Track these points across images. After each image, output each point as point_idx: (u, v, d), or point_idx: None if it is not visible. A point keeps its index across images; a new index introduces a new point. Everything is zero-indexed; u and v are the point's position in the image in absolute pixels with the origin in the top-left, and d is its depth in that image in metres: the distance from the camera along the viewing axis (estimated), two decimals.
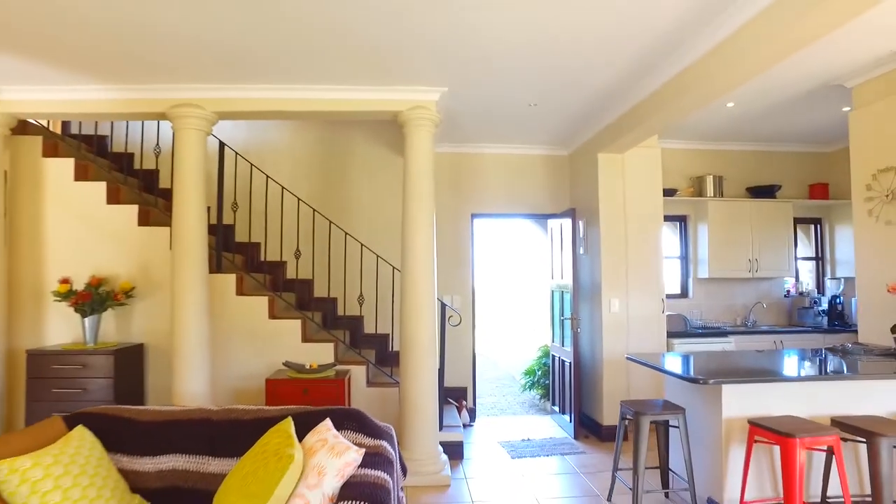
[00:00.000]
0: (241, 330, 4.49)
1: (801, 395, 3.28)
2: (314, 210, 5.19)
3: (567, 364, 5.37)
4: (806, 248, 6.40)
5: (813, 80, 4.21)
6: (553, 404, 5.88)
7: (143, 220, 4.57)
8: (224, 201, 4.85)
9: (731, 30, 3.02)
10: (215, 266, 4.58)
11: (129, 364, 4.31)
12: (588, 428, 5.29)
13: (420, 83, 4.00)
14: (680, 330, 5.49)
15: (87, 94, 4.04)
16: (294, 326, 4.54)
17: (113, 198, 4.56)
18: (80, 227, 4.49)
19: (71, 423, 2.44)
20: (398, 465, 2.52)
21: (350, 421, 2.54)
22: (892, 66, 3.84)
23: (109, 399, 4.05)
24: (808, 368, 3.50)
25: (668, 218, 5.96)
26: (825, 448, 3.06)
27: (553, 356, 5.90)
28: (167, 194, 5.21)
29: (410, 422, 4.05)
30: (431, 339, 4.14)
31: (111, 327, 4.49)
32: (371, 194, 5.76)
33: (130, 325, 4.53)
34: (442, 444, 4.37)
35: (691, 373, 3.20)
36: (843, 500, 2.94)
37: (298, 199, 5.17)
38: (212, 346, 4.18)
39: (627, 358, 3.91)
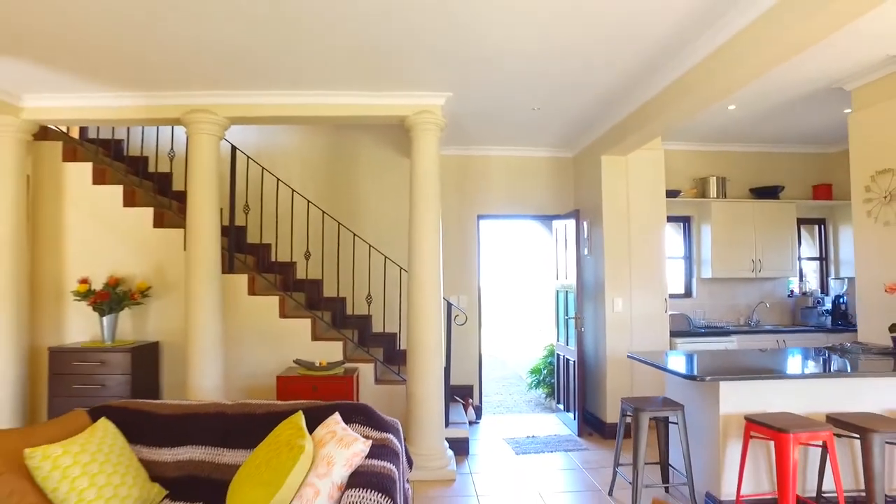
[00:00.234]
0: (252, 329, 4.63)
1: (798, 392, 3.36)
2: (323, 212, 5.32)
3: (571, 363, 5.46)
4: (810, 248, 6.45)
5: (813, 82, 4.27)
6: (558, 402, 5.98)
7: (158, 223, 4.72)
8: (236, 203, 5.00)
9: (732, 33, 3.07)
10: (228, 266, 4.72)
11: (145, 361, 4.46)
12: (592, 425, 5.38)
13: (426, 88, 4.11)
14: (683, 329, 5.56)
15: (105, 101, 4.20)
16: (304, 325, 4.66)
17: (129, 201, 4.71)
18: (98, 229, 4.65)
19: (94, 415, 2.58)
20: (404, 457, 2.64)
21: (358, 415, 2.66)
22: (890, 70, 3.90)
23: (127, 394, 4.20)
24: (805, 367, 3.57)
25: (672, 219, 6.04)
26: (819, 444, 3.13)
27: (558, 355, 5.99)
28: (181, 197, 5.37)
29: (417, 418, 4.16)
30: (438, 338, 4.25)
31: (128, 326, 4.64)
32: (378, 196, 5.88)
33: (146, 324, 4.68)
34: (448, 440, 4.48)
35: (693, 370, 3.29)
36: (837, 494, 3.01)
37: (308, 202, 5.30)
38: (224, 344, 4.32)
39: (629, 356, 4.00)
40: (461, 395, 5.76)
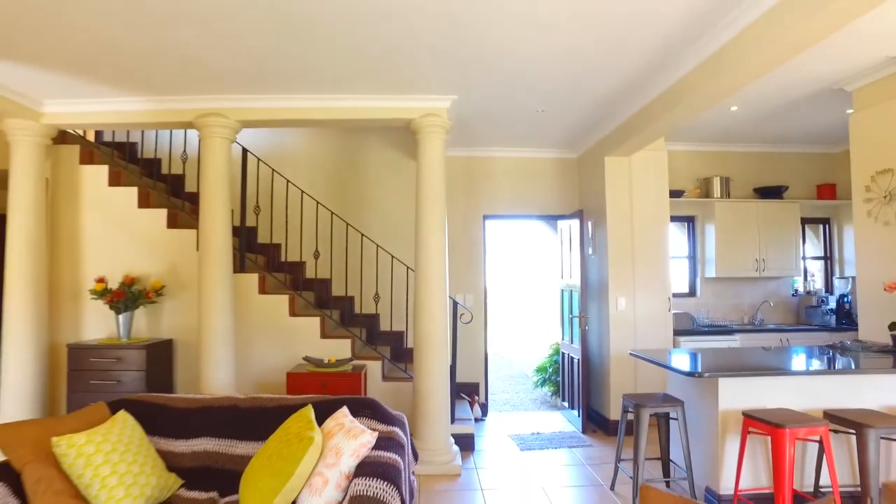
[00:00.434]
0: (263, 327, 4.75)
1: (796, 389, 3.43)
2: (332, 212, 5.44)
3: (575, 361, 5.54)
4: (815, 247, 6.48)
5: (815, 83, 4.32)
6: (563, 400, 6.06)
7: (172, 223, 4.85)
8: (247, 204, 5.12)
9: (734, 33, 3.10)
10: (239, 266, 4.84)
11: (160, 358, 4.59)
12: (596, 422, 5.46)
13: (431, 92, 4.21)
14: (687, 328, 5.63)
15: (121, 106, 4.33)
16: (313, 323, 4.78)
17: (143, 202, 4.85)
18: (113, 229, 4.79)
19: (114, 408, 2.70)
20: (409, 449, 2.74)
21: (365, 409, 2.77)
22: (890, 71, 3.94)
23: (142, 390, 4.34)
24: (804, 364, 3.63)
25: (676, 218, 6.10)
26: (816, 439, 3.20)
27: (563, 353, 6.07)
28: (193, 198, 5.50)
29: (423, 414, 4.26)
30: (444, 336, 4.34)
31: (143, 324, 4.78)
32: (386, 197, 5.99)
33: (160, 322, 4.81)
34: (454, 436, 4.58)
35: (697, 368, 3.36)
36: (832, 488, 3.07)
37: (317, 202, 5.42)
38: (236, 341, 4.44)
39: (631, 354, 4.07)
40: (467, 392, 5.86)
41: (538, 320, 10.94)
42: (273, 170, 5.45)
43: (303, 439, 2.33)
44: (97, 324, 4.73)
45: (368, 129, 5.91)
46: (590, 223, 5.66)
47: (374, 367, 4.74)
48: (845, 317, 5.92)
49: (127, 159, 5.57)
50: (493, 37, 3.31)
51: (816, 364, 3.58)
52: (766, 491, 3.35)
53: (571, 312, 5.73)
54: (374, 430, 2.58)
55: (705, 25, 3.18)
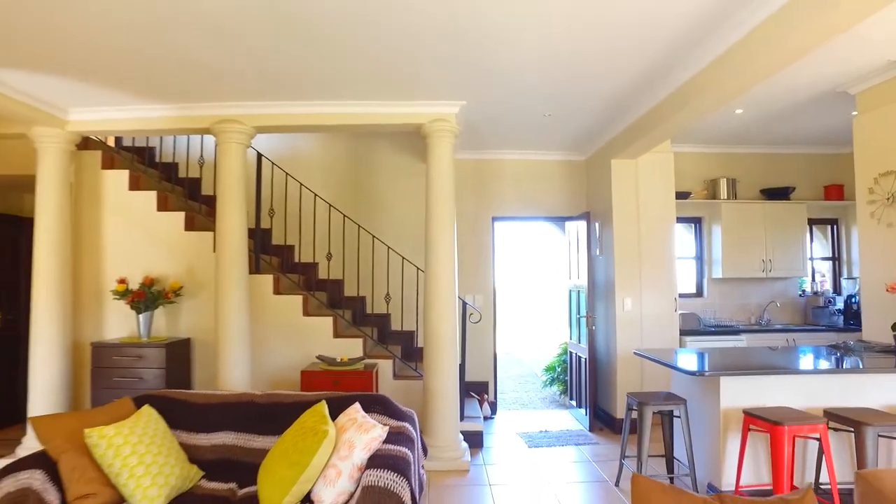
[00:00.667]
0: (277, 326, 4.89)
1: (797, 388, 3.50)
2: (344, 215, 5.58)
3: (583, 360, 5.63)
4: (824, 248, 6.51)
5: (819, 86, 4.37)
6: (571, 399, 6.15)
7: (189, 226, 5.01)
8: (261, 207, 5.28)
9: (739, 35, 3.13)
10: (254, 267, 4.99)
11: (178, 356, 4.75)
12: (603, 421, 5.55)
13: (440, 98, 4.32)
14: (693, 328, 5.69)
15: (142, 113, 4.49)
16: (326, 323, 4.92)
17: (162, 205, 5.01)
18: (134, 232, 4.96)
19: (139, 403, 2.85)
20: (419, 444, 2.86)
21: (376, 405, 2.89)
22: (892, 75, 4.00)
23: (162, 387, 4.49)
24: (806, 363, 3.70)
25: (683, 220, 6.16)
26: (815, 436, 3.26)
27: (571, 353, 6.16)
28: (210, 201, 5.65)
29: (433, 411, 4.37)
30: (453, 335, 4.46)
31: (162, 323, 4.94)
32: (397, 199, 6.12)
33: (179, 322, 4.97)
34: (463, 433, 4.69)
35: (698, 367, 3.45)
36: (831, 485, 3.15)
37: (329, 205, 5.56)
38: (252, 340, 4.57)
39: (635, 353, 4.16)
40: (477, 391, 5.97)
41: (547, 320, 11.02)
42: (287, 173, 5.60)
43: (317, 433, 2.46)
44: (118, 323, 4.91)
45: (379, 134, 6.03)
46: (597, 225, 5.75)
47: (385, 366, 4.86)
48: (853, 317, 5.94)
49: (146, 164, 5.74)
50: (499, 46, 3.40)
51: (818, 364, 3.64)
52: (767, 487, 3.42)
53: (579, 312, 5.82)
54: (385, 425, 2.69)
55: (710, 29, 3.19)
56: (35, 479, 2.23)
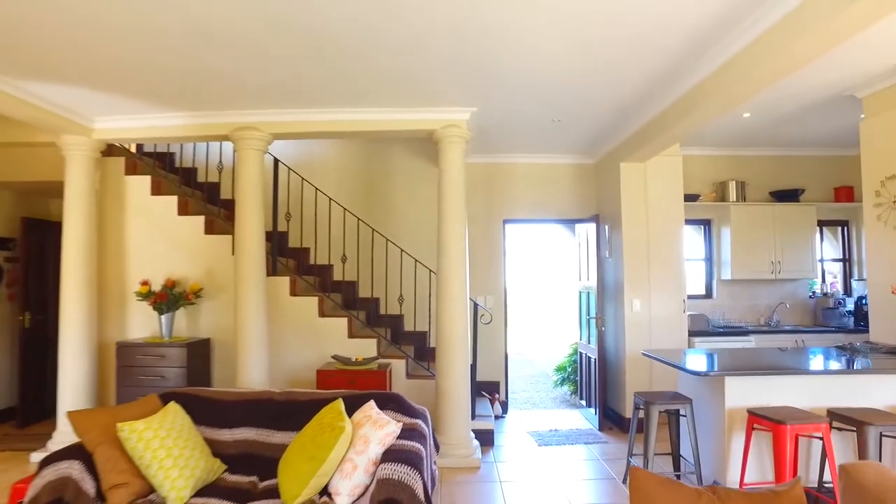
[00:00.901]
0: (294, 327, 5.04)
1: (802, 388, 3.56)
2: (358, 218, 5.72)
3: (593, 360, 5.72)
4: (834, 249, 6.53)
5: (826, 90, 4.41)
6: (581, 399, 6.23)
7: (209, 230, 5.17)
8: (278, 211, 5.43)
9: (748, 40, 3.16)
10: (271, 269, 5.13)
11: (199, 356, 4.92)
12: (612, 420, 5.63)
13: (452, 104, 4.44)
14: (702, 329, 5.75)
15: (163, 121, 4.66)
16: (341, 324, 5.06)
17: (182, 210, 5.18)
18: (155, 235, 5.14)
19: (165, 399, 3.00)
20: (431, 441, 2.98)
21: (390, 403, 3.02)
22: None
23: (183, 385, 4.66)
24: (811, 364, 3.76)
25: (692, 222, 6.22)
26: (818, 436, 3.33)
27: (581, 353, 6.25)
28: (228, 204, 5.83)
29: (445, 410, 4.49)
30: (464, 336, 4.57)
31: (182, 324, 5.11)
32: (410, 203, 6.25)
33: (199, 322, 5.14)
34: (474, 431, 4.80)
35: (704, 367, 3.52)
36: (833, 484, 3.21)
37: (344, 209, 5.70)
38: (269, 340, 4.72)
39: (643, 353, 4.25)
40: (488, 390, 6.07)
41: (558, 321, 11.10)
42: (303, 178, 5.74)
43: (334, 429, 2.59)
44: (141, 323, 5.09)
45: (393, 139, 6.16)
46: (606, 227, 5.83)
47: (398, 366, 4.99)
48: (864, 319, 5.94)
49: (166, 169, 5.92)
50: (509, 56, 3.51)
51: (823, 364, 3.70)
52: (771, 485, 3.49)
53: (589, 313, 5.91)
54: (398, 421, 2.81)
55: (718, 36, 3.24)
56: (73, 468, 2.39)
